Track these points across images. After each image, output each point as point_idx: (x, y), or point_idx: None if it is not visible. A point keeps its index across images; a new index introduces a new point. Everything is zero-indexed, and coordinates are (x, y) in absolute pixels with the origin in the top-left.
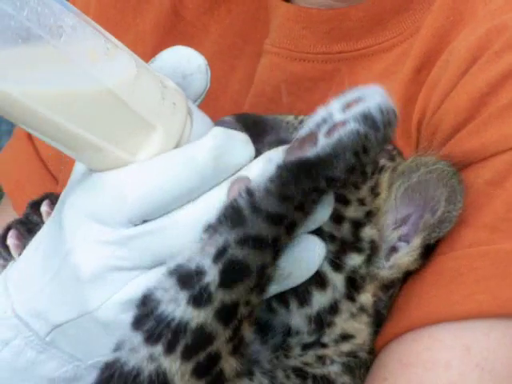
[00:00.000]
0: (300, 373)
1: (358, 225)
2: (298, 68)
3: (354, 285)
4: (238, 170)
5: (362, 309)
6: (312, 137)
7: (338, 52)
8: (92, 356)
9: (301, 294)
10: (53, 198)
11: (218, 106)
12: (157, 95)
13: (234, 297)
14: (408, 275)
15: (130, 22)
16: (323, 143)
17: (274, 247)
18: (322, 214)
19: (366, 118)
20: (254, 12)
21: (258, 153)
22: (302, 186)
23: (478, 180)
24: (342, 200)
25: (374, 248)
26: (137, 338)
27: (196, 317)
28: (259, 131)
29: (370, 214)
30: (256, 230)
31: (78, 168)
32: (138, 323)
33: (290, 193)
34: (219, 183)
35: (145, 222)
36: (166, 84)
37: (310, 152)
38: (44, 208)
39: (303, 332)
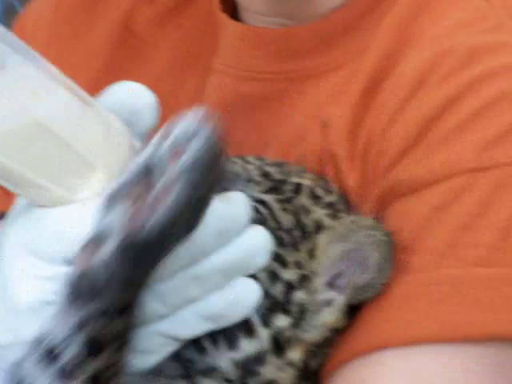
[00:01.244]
0: None
1: (290, 287)
2: (246, 88)
3: (279, 344)
4: None
5: (290, 364)
6: (142, 208)
7: (286, 71)
8: None
9: (230, 337)
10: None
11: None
12: (99, 134)
13: (99, 365)
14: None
15: (83, 36)
16: (156, 215)
17: (132, 309)
18: (258, 260)
19: (188, 179)
20: (204, 28)
21: None
22: (151, 255)
23: (424, 206)
24: (280, 260)
25: (302, 312)
26: None
27: None
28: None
29: (304, 279)
30: (111, 302)
31: (21, 200)
32: None
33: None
34: None
35: None
36: (110, 122)
37: (147, 226)
38: None
39: (228, 373)
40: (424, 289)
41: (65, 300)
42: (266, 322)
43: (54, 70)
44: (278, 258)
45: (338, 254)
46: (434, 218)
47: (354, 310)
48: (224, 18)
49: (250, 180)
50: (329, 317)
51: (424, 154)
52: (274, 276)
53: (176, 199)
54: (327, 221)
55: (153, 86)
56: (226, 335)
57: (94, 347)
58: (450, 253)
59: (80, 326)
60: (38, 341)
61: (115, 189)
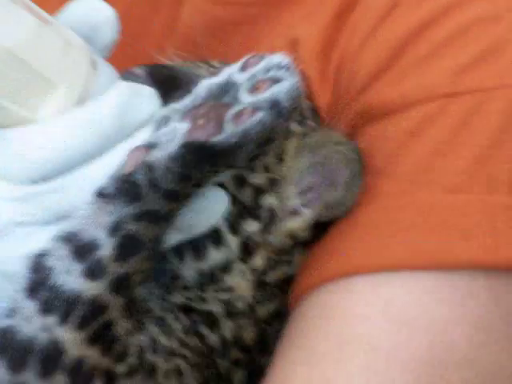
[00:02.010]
0: (186, 309)
1: (259, 192)
2: (221, 11)
3: (247, 249)
4: (142, 126)
5: (253, 269)
6: (219, 117)
7: None
8: None
9: (197, 247)
10: None
11: (140, 46)
12: (58, 52)
13: (128, 269)
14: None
15: None
16: (229, 131)
17: (168, 219)
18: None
19: (275, 108)
20: None
21: None
22: (204, 169)
23: (396, 130)
24: (247, 164)
25: (271, 217)
26: (30, 307)
27: (89, 289)
28: (171, 86)
29: (273, 182)
30: (152, 206)
31: None
32: (31, 291)
33: (191, 174)
34: (122, 140)
35: (46, 181)
36: (69, 39)
37: (215, 138)
38: None
39: (190, 282)
40: (394, 214)
41: (102, 199)
42: (234, 229)
43: None
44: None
45: (307, 165)
46: (406, 142)
47: (321, 230)
48: None
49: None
50: (294, 225)
51: (396, 77)
52: (241, 181)
53: (255, 126)
54: (294, 126)
55: (126, 10)
56: (194, 245)
57: (123, 252)
58: (422, 179)
59: (114, 228)
60: (68, 236)
61: (182, 105)
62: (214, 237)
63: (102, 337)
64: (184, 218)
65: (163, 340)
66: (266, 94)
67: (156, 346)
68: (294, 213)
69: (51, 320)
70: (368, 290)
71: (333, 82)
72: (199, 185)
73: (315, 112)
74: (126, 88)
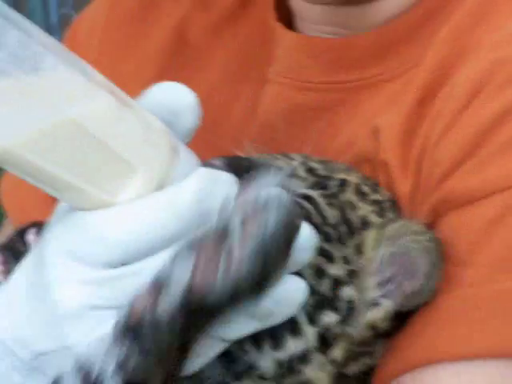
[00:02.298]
0: None
1: (338, 283)
2: (302, 98)
3: (325, 341)
4: None
5: (332, 361)
6: (214, 261)
7: (342, 81)
8: None
9: (275, 337)
10: (40, 227)
11: (221, 132)
12: (139, 136)
13: None
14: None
15: (133, 45)
16: (220, 284)
17: (177, 358)
18: (303, 256)
19: (264, 250)
20: (260, 37)
21: None
22: (198, 320)
23: (478, 219)
24: (327, 256)
25: (351, 309)
26: None
27: None
28: (251, 177)
29: (352, 274)
30: (156, 344)
31: (61, 204)
32: None
33: (189, 325)
34: (204, 226)
35: (124, 264)
36: (150, 123)
37: (210, 293)
38: (30, 237)
39: (267, 373)
40: (478, 303)
41: (115, 334)
42: (312, 320)
43: (92, 71)
44: (324, 253)
45: (387, 256)
46: (488, 231)
47: (400, 320)
48: (279, 28)
49: (294, 175)
50: (375, 316)
51: (478, 165)
52: (320, 272)
53: (248, 270)
54: (374, 218)
55: (207, 96)
56: (272, 334)
57: None
58: (504, 267)
59: (120, 364)
60: (81, 364)
61: (186, 241)
62: (292, 327)
63: None
64: (262, 305)
65: None
66: (255, 235)
67: None
68: (374, 304)
69: None
70: (451, 377)
71: (415, 170)
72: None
73: (394, 203)
74: (205, 173)
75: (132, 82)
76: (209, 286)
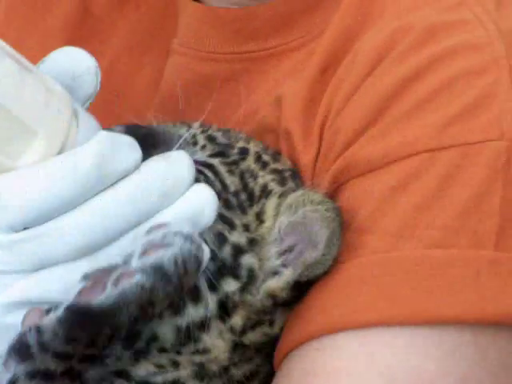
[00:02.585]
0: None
1: (239, 251)
2: (206, 68)
3: (225, 309)
4: (124, 176)
5: (231, 329)
6: (102, 282)
7: (247, 52)
8: None
9: (175, 303)
10: None
11: (124, 103)
12: (40, 100)
13: None
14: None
15: (39, 18)
16: (108, 293)
17: (69, 375)
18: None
19: (156, 271)
20: (163, 9)
21: None
22: (86, 331)
23: (380, 186)
24: (228, 223)
25: (251, 277)
26: None
27: None
28: (150, 144)
29: (252, 242)
30: (44, 365)
31: None
32: None
33: (76, 336)
34: (104, 189)
35: (26, 228)
36: (51, 88)
37: (95, 300)
38: None
39: (167, 341)
40: (380, 270)
41: (4, 357)
42: (213, 287)
43: None
44: (225, 220)
45: (286, 225)
46: (391, 198)
47: (301, 290)
48: None
49: (195, 143)
50: (274, 285)
51: (381, 133)
52: (221, 238)
53: (131, 287)
54: (274, 186)
55: (110, 68)
56: (172, 302)
57: None
58: (406, 234)
59: None
60: None
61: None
62: (193, 293)
63: None
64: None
65: None
66: (150, 259)
67: None
68: (274, 273)
69: None
70: (353, 345)
71: (318, 138)
72: (95, 343)
73: (294, 172)
74: (106, 137)
75: (38, 55)
76: (92, 297)
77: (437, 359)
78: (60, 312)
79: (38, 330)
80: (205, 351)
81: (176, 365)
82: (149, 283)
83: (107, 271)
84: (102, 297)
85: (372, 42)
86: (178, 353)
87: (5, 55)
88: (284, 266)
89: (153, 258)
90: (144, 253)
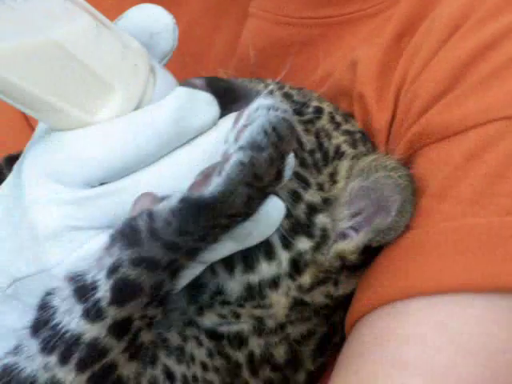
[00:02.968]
0: (213, 334)
1: (313, 209)
2: (284, 32)
3: (297, 267)
4: (202, 132)
5: (299, 287)
6: (210, 174)
7: (324, 17)
8: None
9: (248, 259)
10: None
11: (201, 65)
12: (117, 55)
13: (125, 313)
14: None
15: None
16: (215, 181)
17: (170, 269)
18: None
19: (249, 144)
20: None
21: None
22: (201, 224)
23: (455, 153)
24: (303, 181)
25: (324, 236)
26: (33, 346)
27: (89, 330)
28: (229, 98)
29: (326, 202)
30: (151, 254)
31: (41, 125)
32: (35, 329)
33: (189, 229)
34: (181, 145)
35: (103, 183)
36: (128, 44)
37: (206, 191)
38: None
39: (233, 295)
40: (452, 237)
41: (108, 242)
42: (286, 245)
43: None
44: (300, 178)
45: (358, 189)
46: (465, 165)
47: (369, 254)
48: None
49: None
50: (345, 247)
51: (457, 99)
52: (296, 196)
53: (233, 168)
54: (347, 148)
55: (188, 29)
56: (245, 258)
57: (120, 295)
58: (480, 201)
59: (112, 271)
60: (72, 276)
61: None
62: (267, 250)
63: (105, 379)
64: (244, 227)
65: (181, 369)
66: (242, 136)
67: (174, 377)
68: (345, 235)
69: (52, 360)
70: (425, 312)
71: (393, 103)
72: (204, 239)
73: (364, 135)
74: (184, 93)
75: (112, 17)
76: (203, 189)
77: (508, 324)
78: (174, 202)
79: (150, 215)
80: (266, 306)
81: (237, 316)
82: (246, 158)
83: (214, 166)
84: (211, 186)
85: (449, 9)
86: (240, 306)
87: (82, 11)
88: (354, 229)
89: (243, 134)
90: (237, 138)
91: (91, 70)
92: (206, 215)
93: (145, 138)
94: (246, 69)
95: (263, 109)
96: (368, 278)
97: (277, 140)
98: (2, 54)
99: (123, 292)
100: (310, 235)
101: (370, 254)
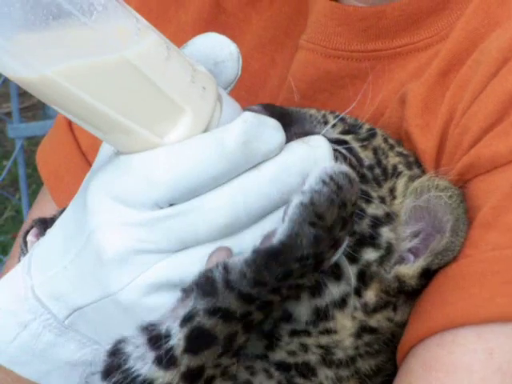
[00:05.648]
0: (283, 366)
1: (377, 222)
2: (332, 65)
3: (363, 279)
4: (269, 156)
5: (364, 306)
6: (277, 228)
7: (373, 50)
8: (111, 339)
9: (316, 284)
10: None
11: (256, 98)
12: (186, 78)
13: (199, 362)
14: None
15: (172, 14)
16: (281, 229)
17: (244, 321)
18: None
19: (309, 189)
20: (296, 5)
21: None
22: (273, 271)
23: (504, 183)
24: (365, 195)
25: (389, 249)
26: None
27: (161, 376)
28: (285, 122)
29: (388, 216)
30: (226, 304)
31: (104, 151)
32: (106, 374)
33: (263, 279)
34: (248, 168)
35: (171, 205)
36: (196, 68)
37: (274, 240)
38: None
39: (300, 321)
40: (500, 267)
41: (182, 294)
42: (353, 258)
43: (138, 15)
44: (361, 193)
45: (411, 209)
46: None
47: (428, 277)
48: None
49: (325, 123)
50: (406, 271)
51: (505, 131)
52: (358, 213)
53: (294, 212)
54: (403, 168)
55: (244, 64)
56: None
57: (195, 344)
58: None
59: (187, 319)
60: (147, 326)
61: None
62: (333, 272)
63: None
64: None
65: None
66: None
67: None
68: (403, 259)
69: None
70: (473, 341)
71: (439, 138)
72: (279, 291)
73: (417, 160)
74: (251, 117)
75: None
76: (272, 240)
77: None
78: (248, 254)
79: (226, 267)
80: (331, 331)
81: (305, 350)
82: (306, 199)
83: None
84: (278, 234)
85: (498, 43)
86: (308, 333)
87: (154, 33)
88: (411, 252)
89: (307, 184)
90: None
91: (162, 91)
92: (276, 261)
93: (213, 161)
94: (294, 101)
95: (321, 162)
96: (417, 308)
97: (336, 187)
98: (75, 70)
99: (198, 341)
100: (375, 246)
101: (428, 278)
